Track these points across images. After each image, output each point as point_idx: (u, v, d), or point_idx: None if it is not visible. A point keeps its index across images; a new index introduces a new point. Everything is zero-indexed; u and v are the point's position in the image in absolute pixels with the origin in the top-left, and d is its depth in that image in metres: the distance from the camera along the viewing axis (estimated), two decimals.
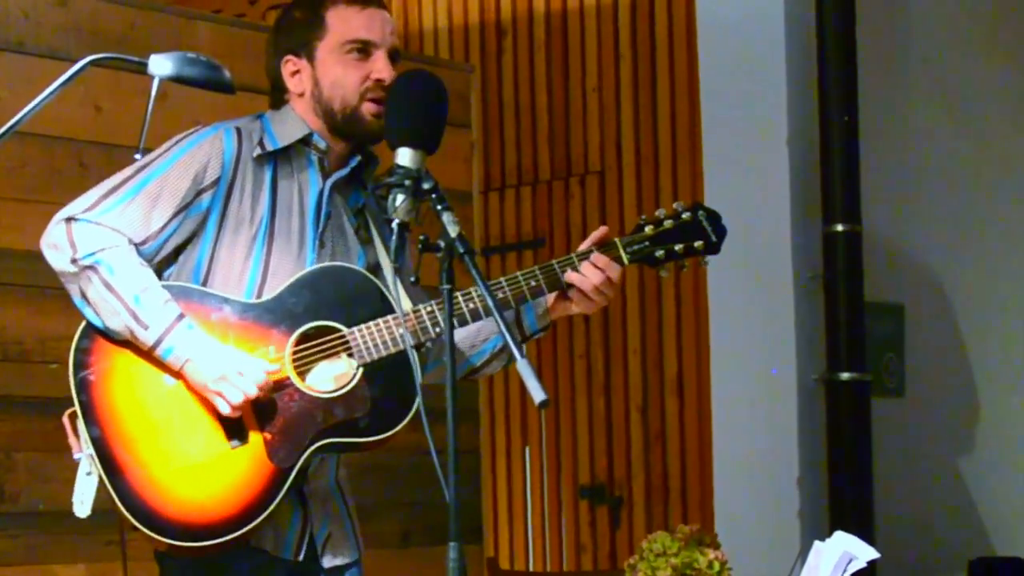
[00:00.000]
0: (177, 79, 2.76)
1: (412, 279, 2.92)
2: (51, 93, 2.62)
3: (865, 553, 2.99)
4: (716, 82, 5.30)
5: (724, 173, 5.20)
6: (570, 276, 3.00)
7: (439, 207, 2.71)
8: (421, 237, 2.69)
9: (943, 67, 5.60)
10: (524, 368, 2.55)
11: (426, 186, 2.73)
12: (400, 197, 2.72)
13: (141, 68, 2.74)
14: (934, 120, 5.55)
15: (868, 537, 3.87)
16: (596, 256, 2.99)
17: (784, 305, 5.07)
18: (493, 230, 6.03)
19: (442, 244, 2.67)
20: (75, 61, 2.68)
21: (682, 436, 5.52)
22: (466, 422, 4.97)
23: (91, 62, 2.67)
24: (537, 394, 2.52)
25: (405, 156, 2.75)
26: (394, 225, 2.73)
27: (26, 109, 2.60)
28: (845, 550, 2.99)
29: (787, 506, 5.01)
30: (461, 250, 2.65)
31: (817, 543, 3.05)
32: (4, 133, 2.59)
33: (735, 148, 5.18)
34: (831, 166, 5.00)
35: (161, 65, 2.74)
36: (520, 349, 2.59)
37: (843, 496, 4.92)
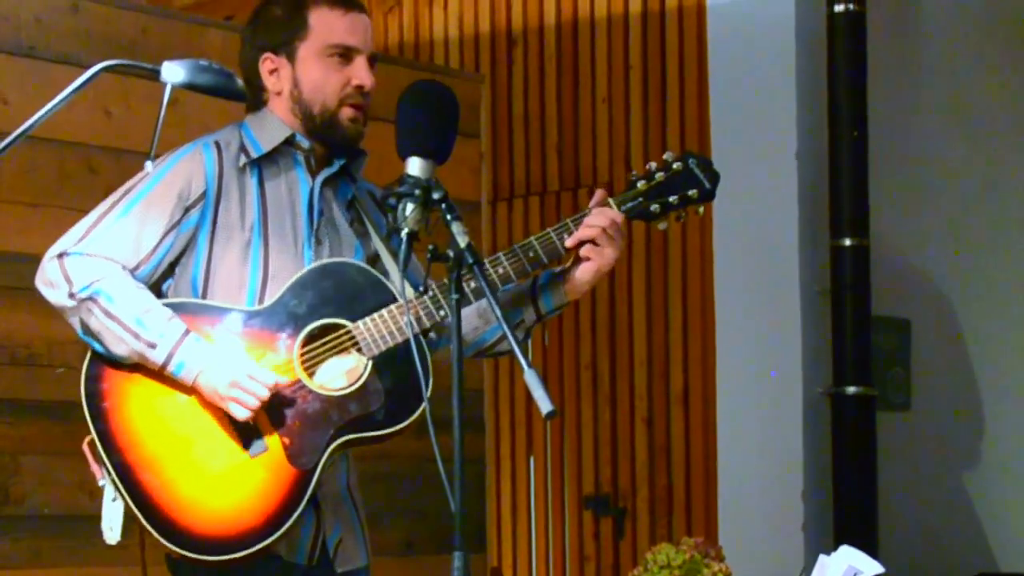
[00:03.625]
0: (189, 86, 2.76)
1: (421, 288, 2.92)
2: (64, 98, 2.62)
3: (870, 567, 2.99)
4: (726, 95, 5.30)
5: (733, 186, 5.16)
6: (576, 234, 2.96)
7: (449, 217, 2.71)
8: (430, 247, 2.69)
9: (953, 83, 5.60)
10: (531, 378, 2.54)
11: (436, 196, 2.72)
12: (410, 206, 2.72)
13: (153, 75, 2.75)
14: (943, 135, 5.55)
15: (873, 551, 3.86)
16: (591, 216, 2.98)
17: (791, 318, 5.07)
18: (501, 240, 6.02)
19: (451, 254, 2.67)
20: (86, 66, 2.69)
21: (687, 448, 5.51)
22: (471, 431, 4.97)
23: (104, 68, 2.67)
24: (544, 405, 2.52)
25: (415, 165, 2.75)
26: (403, 235, 2.73)
27: (38, 114, 2.60)
28: (850, 564, 2.99)
29: (792, 519, 5.00)
30: (470, 260, 2.66)
31: (822, 557, 3.05)
32: (16, 138, 2.60)
33: (744, 161, 5.18)
34: (840, 180, 5.00)
35: (173, 72, 2.74)
36: (527, 359, 2.59)
37: (848, 510, 4.91)
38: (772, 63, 5.15)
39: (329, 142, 3.06)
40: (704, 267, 5.36)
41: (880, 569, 3.00)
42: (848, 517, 4.89)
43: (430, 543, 4.90)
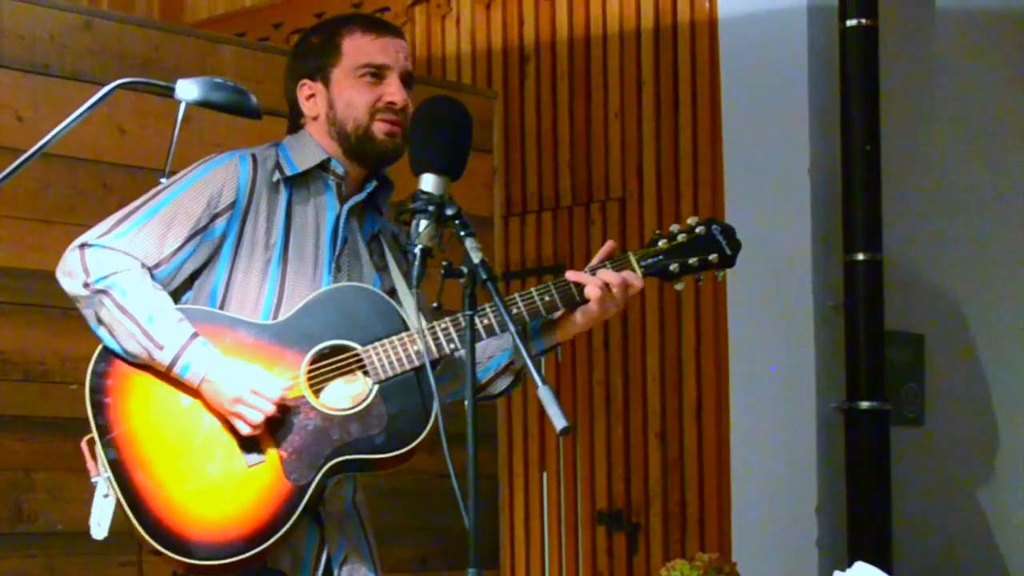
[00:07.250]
0: (204, 103, 2.76)
1: (435, 304, 2.92)
2: (79, 116, 2.63)
3: None
4: (738, 110, 5.30)
5: (745, 201, 5.20)
6: (588, 277, 2.96)
7: (462, 233, 2.71)
8: (444, 263, 2.69)
9: (966, 96, 5.59)
10: (545, 394, 2.54)
11: (449, 212, 2.72)
12: (423, 223, 2.72)
13: (168, 92, 2.75)
14: (956, 150, 5.55)
15: (887, 567, 3.86)
16: (609, 271, 2.99)
17: (804, 333, 5.07)
18: (514, 256, 6.03)
19: (465, 270, 2.67)
20: (100, 83, 2.70)
21: (700, 463, 5.50)
22: (484, 447, 4.94)
23: (119, 86, 2.68)
24: (559, 421, 2.51)
25: (429, 182, 2.74)
26: (416, 251, 2.73)
27: (54, 132, 2.61)
28: None
29: (806, 535, 4.99)
30: (484, 276, 2.65)
31: (837, 573, 3.05)
32: (32, 155, 2.61)
33: (757, 176, 5.18)
34: (853, 195, 5.00)
35: (188, 90, 2.74)
36: (541, 375, 2.58)
37: (862, 525, 4.90)
38: (784, 77, 5.15)
39: (365, 159, 3.08)
40: (716, 281, 5.35)
41: None
42: (862, 532, 4.88)
43: (444, 559, 4.89)
